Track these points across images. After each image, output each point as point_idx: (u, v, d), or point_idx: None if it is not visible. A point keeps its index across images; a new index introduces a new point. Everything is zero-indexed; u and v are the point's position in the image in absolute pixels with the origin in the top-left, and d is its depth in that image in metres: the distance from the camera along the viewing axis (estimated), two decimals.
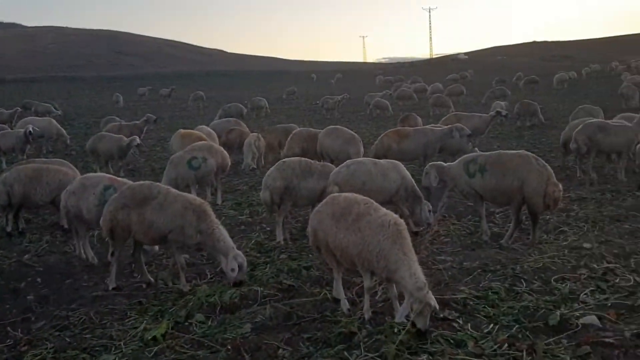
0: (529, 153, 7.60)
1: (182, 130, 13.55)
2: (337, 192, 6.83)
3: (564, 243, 7.26)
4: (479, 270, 6.41)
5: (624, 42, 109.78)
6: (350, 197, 5.60)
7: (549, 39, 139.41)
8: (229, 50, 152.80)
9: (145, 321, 5.66)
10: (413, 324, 4.71)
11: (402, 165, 8.31)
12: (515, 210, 7.48)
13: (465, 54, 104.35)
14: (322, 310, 5.67)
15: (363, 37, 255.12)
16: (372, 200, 5.56)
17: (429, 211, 7.83)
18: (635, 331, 4.66)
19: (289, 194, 7.97)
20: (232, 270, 6.08)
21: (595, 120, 11.88)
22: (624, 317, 5.04)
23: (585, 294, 5.54)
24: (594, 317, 4.98)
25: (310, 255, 7.14)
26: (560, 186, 7.32)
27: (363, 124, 24.32)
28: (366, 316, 5.34)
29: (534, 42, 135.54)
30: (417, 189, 8.03)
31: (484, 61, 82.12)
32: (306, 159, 8.62)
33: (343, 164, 8.22)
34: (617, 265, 6.28)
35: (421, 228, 8.05)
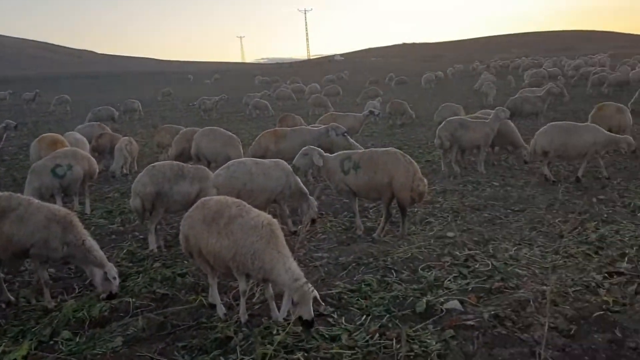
0: (397, 150, 7.96)
1: (42, 136, 12.53)
2: (215, 194, 6.71)
3: (430, 233, 7.69)
4: (354, 264, 6.60)
5: (485, 43, 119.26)
6: (221, 200, 5.51)
7: (419, 41, 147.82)
8: (99, 51, 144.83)
9: (3, 344, 5.17)
10: (299, 318, 4.73)
11: (286, 163, 8.34)
12: (386, 204, 7.80)
13: (342, 55, 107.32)
14: (197, 317, 5.53)
15: (240, 37, 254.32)
16: (244, 203, 5.52)
17: (313, 206, 8.00)
18: (493, 312, 5.04)
19: (160, 199, 7.66)
20: (114, 278, 5.84)
21: (456, 117, 12.72)
22: (483, 299, 5.43)
23: (449, 280, 5.90)
24: (456, 301, 5.32)
25: (186, 262, 6.94)
26: (425, 180, 7.74)
27: (242, 125, 24.13)
28: (242, 319, 5.29)
29: (405, 44, 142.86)
30: (302, 185, 8.16)
31: (359, 62, 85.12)
32: (178, 162, 8.36)
33: (224, 166, 8.10)
34: (477, 252, 6.77)
35: (299, 227, 8.13)
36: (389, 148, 8.24)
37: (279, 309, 5.23)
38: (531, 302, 5.16)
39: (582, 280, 5.71)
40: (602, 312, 4.98)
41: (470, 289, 5.67)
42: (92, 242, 6.03)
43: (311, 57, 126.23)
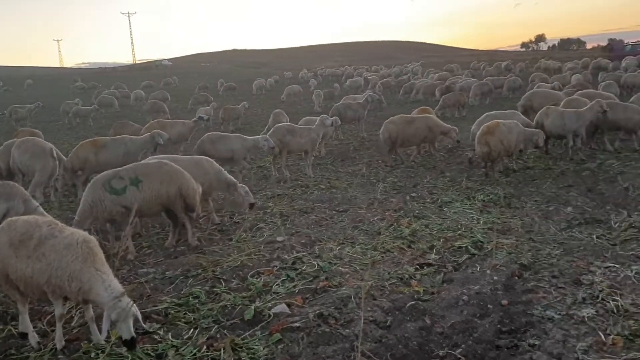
0: (167, 161, 7.87)
1: None
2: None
3: (260, 239, 7.77)
4: (182, 277, 6.43)
5: (312, 51, 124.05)
6: (29, 221, 5.03)
7: (248, 47, 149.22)
8: None
9: None
10: (120, 338, 4.48)
11: (207, 160, 8.66)
12: (179, 213, 7.62)
13: (170, 59, 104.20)
14: (6, 349, 4.98)
15: (58, 40, 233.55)
16: (56, 221, 5.11)
17: (246, 192, 8.56)
18: (317, 312, 5.23)
19: None
20: None
21: (284, 124, 13.05)
22: (309, 300, 5.62)
23: (277, 284, 6.01)
24: (283, 305, 5.43)
25: None
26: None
27: (61, 134, 22.32)
28: (58, 346, 4.87)
29: (236, 50, 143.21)
30: (228, 176, 8.65)
31: (188, 67, 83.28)
32: None
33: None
34: (305, 254, 6.98)
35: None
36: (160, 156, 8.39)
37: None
38: (352, 298, 5.45)
39: (397, 273, 6.18)
40: (414, 302, 5.43)
41: (297, 291, 5.83)
42: None
43: (137, 62, 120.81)
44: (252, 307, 5.39)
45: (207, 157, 8.99)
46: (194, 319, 5.32)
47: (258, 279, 6.19)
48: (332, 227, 8.26)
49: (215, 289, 6.02)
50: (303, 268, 6.49)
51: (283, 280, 6.14)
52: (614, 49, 44.06)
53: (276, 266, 6.59)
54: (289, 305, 5.46)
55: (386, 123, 13.02)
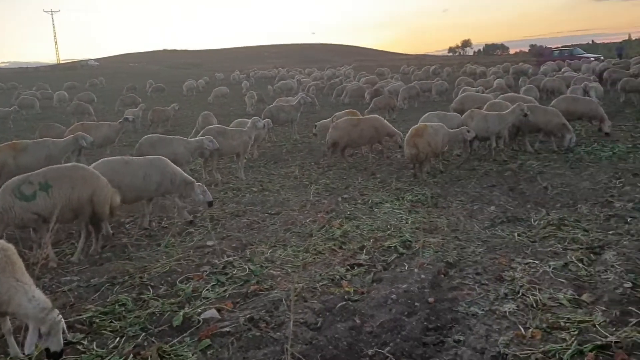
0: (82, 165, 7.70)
1: None
2: None
3: (190, 244, 7.63)
4: (107, 285, 6.21)
5: (244, 53, 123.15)
6: None
7: (179, 48, 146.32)
8: None
9: None
10: (47, 350, 4.28)
11: (160, 160, 8.56)
12: (86, 222, 7.29)
13: (96, 60, 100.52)
14: None
15: None
16: None
17: (203, 191, 8.55)
18: (248, 316, 5.20)
19: None
20: None
21: (214, 126, 12.89)
22: (239, 304, 5.57)
23: (207, 289, 5.92)
24: (213, 310, 5.36)
25: None
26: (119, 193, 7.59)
27: None
28: None
29: (165, 50, 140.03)
30: (185, 175, 8.61)
31: (116, 67, 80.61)
32: None
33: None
34: (236, 258, 6.92)
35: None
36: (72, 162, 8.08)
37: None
38: (283, 301, 5.45)
39: (328, 275, 6.23)
40: (344, 303, 5.50)
41: (227, 295, 5.77)
42: None
43: (61, 62, 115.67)
44: (181, 313, 5.28)
45: (161, 157, 8.77)
46: (120, 327, 5.16)
47: (187, 285, 6.07)
48: (264, 230, 8.22)
49: (142, 296, 5.86)
50: (234, 272, 6.42)
51: (213, 285, 6.06)
52: (544, 54, 46.40)
53: (206, 271, 6.49)
54: (219, 310, 5.39)
55: (331, 129, 13.06)
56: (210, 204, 8.69)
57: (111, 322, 5.28)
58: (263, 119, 13.23)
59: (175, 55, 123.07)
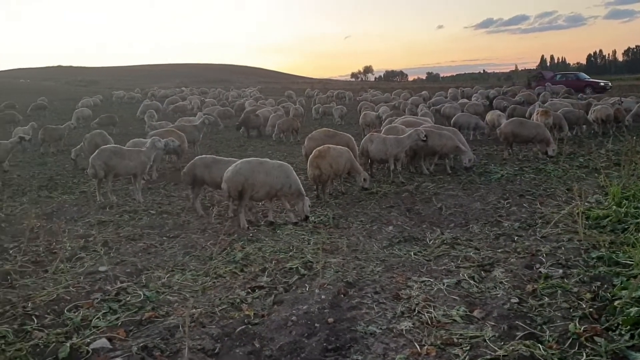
0: None
1: None
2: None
3: (81, 270, 7.18)
4: None
5: (147, 71, 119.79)
6: None
7: (75, 64, 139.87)
8: None
9: None
10: None
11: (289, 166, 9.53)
12: None
13: None
14: None
15: None
16: None
17: (308, 205, 9.56)
18: (142, 344, 4.96)
19: None
20: None
21: (110, 145, 12.34)
22: (133, 332, 5.30)
23: (97, 317, 5.59)
24: (104, 339, 5.06)
25: None
26: None
27: None
28: None
29: (61, 66, 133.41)
30: (301, 187, 9.49)
31: (4, 83, 75.36)
32: None
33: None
34: (130, 284, 6.60)
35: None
36: None
37: None
38: (180, 328, 5.26)
39: (228, 298, 6.09)
40: (244, 326, 5.39)
41: (120, 323, 5.48)
42: None
43: None
44: (68, 344, 4.93)
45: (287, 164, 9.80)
46: None
47: (76, 313, 5.69)
48: (161, 254, 7.93)
49: (25, 327, 5.41)
50: (127, 299, 6.11)
51: (104, 312, 5.73)
52: (545, 77, 48.65)
53: (97, 298, 6.12)
54: (110, 339, 5.09)
55: (307, 139, 13.28)
56: (306, 218, 9.46)
57: None
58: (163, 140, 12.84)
59: (72, 72, 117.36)
